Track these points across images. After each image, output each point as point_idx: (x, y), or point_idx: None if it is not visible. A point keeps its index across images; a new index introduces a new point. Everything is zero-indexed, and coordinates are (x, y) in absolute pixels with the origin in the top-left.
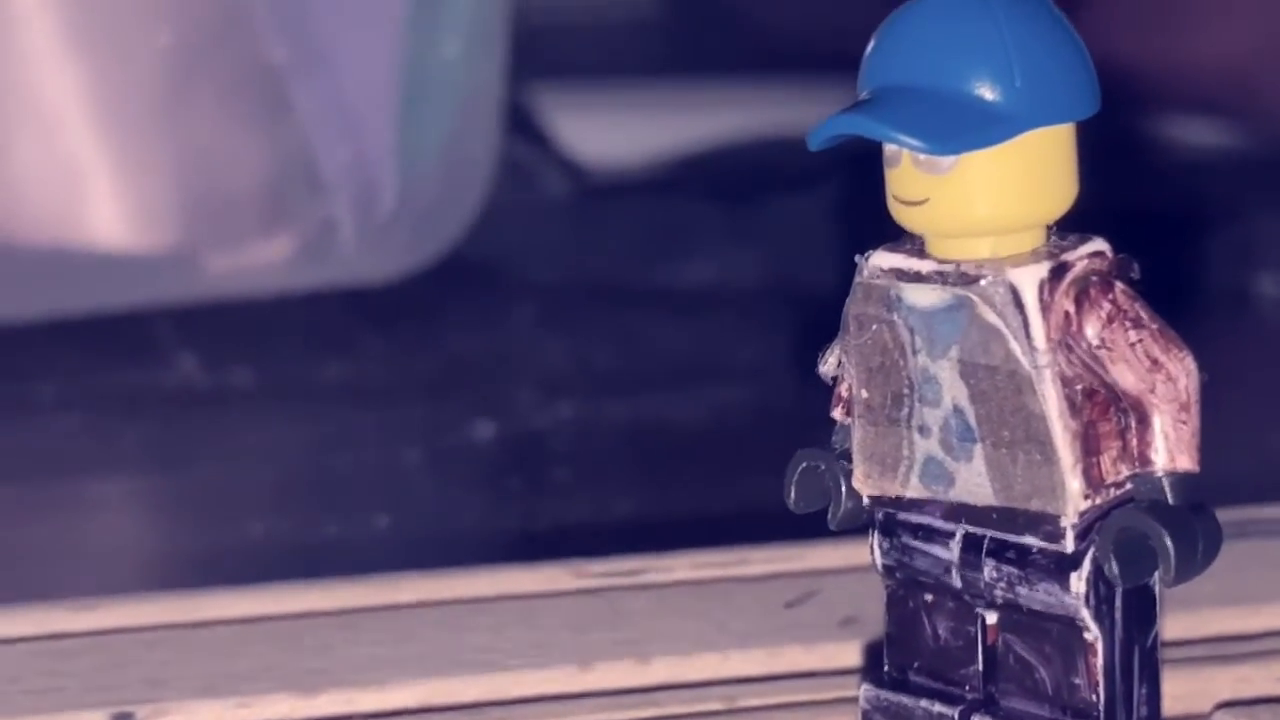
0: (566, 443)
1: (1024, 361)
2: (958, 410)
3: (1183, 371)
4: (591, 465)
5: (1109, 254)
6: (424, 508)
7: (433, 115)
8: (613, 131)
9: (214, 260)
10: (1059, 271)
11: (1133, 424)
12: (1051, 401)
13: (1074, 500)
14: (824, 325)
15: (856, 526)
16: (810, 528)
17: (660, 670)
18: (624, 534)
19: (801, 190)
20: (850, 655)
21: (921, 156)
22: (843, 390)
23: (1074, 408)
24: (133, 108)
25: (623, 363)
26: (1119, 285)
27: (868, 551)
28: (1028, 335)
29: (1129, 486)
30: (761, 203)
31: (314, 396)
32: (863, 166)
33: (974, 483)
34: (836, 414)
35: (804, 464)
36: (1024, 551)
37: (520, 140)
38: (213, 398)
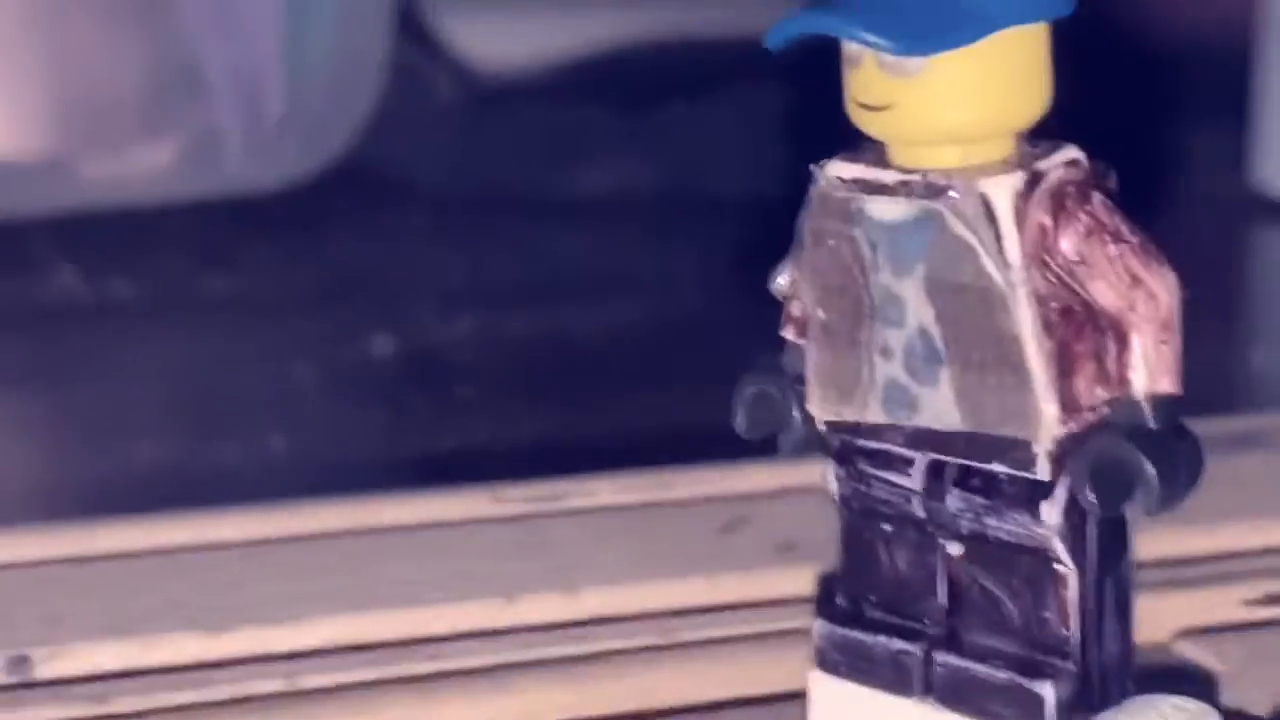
0: (468, 358)
1: (997, 278)
2: (923, 331)
3: (1164, 288)
4: (496, 382)
5: (1084, 162)
6: (323, 428)
7: (321, 16)
8: (503, 33)
9: (92, 167)
10: (1033, 181)
11: (1110, 344)
12: (1025, 321)
13: (1048, 425)
14: (724, 235)
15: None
16: (732, 447)
17: (590, 602)
18: (537, 455)
19: (699, 96)
20: (791, 583)
21: (888, 58)
22: (794, 309)
23: (1048, 327)
24: (4, 7)
25: (521, 275)
26: (1097, 196)
27: (799, 473)
28: (1001, 250)
29: (1105, 410)
30: (658, 108)
31: (200, 310)
32: (766, 73)
33: (940, 407)
34: (787, 334)
35: (753, 387)
36: (992, 479)
37: (407, 42)
38: (93, 311)
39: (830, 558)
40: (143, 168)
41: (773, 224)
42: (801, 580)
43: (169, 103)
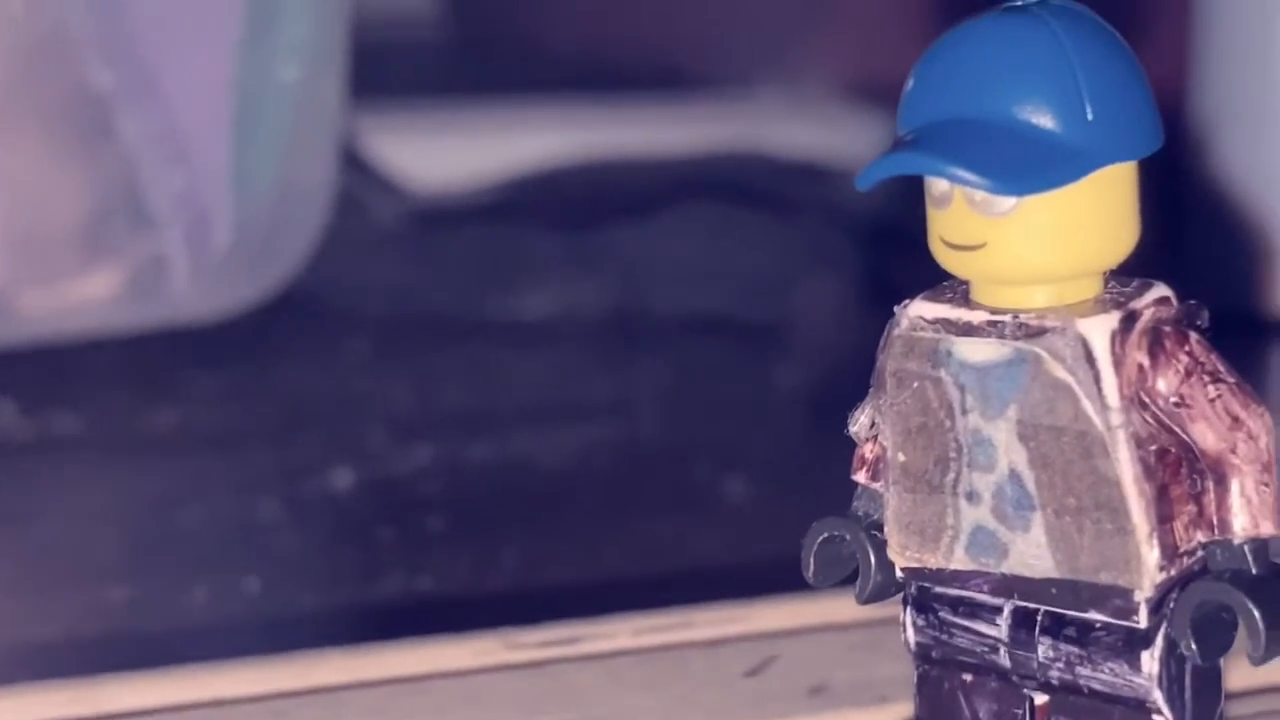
0: (434, 489)
1: (1096, 421)
2: (1014, 475)
3: (1263, 429)
4: (466, 513)
5: (1174, 301)
6: (296, 566)
7: (268, 141)
8: (438, 155)
9: (33, 299)
10: (1128, 321)
11: (1209, 486)
12: (1126, 464)
13: (1150, 572)
14: (675, 355)
15: (880, 599)
16: (734, 584)
17: None
18: (526, 591)
19: (638, 215)
20: None
21: (979, 197)
22: (866, 451)
23: (1148, 470)
24: None
25: (473, 400)
26: (1193, 335)
27: (821, 609)
28: (1100, 392)
29: (1200, 554)
30: (598, 228)
31: (149, 445)
32: (701, 191)
33: (1031, 554)
34: (860, 477)
35: (825, 534)
36: (1086, 628)
37: (344, 167)
38: (35, 448)
39: (864, 699)
40: (85, 299)
41: (720, 342)
42: None
43: (112, 232)
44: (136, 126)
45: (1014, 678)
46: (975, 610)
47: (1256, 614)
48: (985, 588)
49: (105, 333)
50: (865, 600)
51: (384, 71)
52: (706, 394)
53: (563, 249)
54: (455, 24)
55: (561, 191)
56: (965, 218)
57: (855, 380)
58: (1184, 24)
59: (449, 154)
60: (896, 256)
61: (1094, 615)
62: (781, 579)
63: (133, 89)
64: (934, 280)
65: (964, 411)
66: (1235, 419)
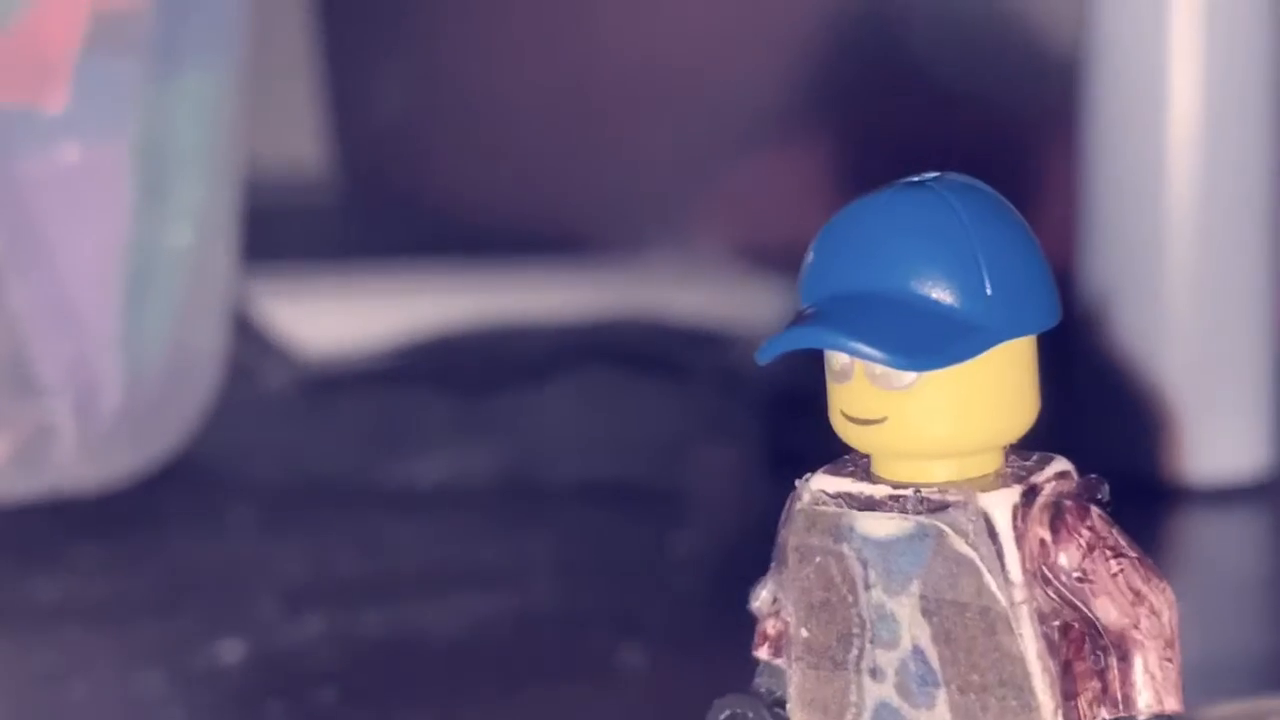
0: (325, 661)
1: (999, 596)
2: (918, 651)
3: (1165, 604)
4: (359, 685)
5: (1074, 474)
6: None
7: (159, 308)
8: (329, 320)
9: None
10: (1030, 495)
11: (1113, 662)
12: (1030, 641)
13: None
14: (568, 523)
15: None
16: None
17: None
18: None
19: (531, 381)
20: None
21: (879, 371)
22: (769, 627)
23: (1051, 646)
24: None
25: (365, 569)
26: (1094, 510)
27: None
28: (1003, 567)
29: None
30: (490, 393)
31: (30, 618)
32: (595, 356)
33: None
34: (761, 654)
35: (727, 711)
36: None
37: (234, 331)
38: None
39: None
40: None
41: (615, 509)
42: None
43: None
44: (24, 295)
45: None
46: None
47: None
48: None
49: None
50: None
51: (275, 236)
52: (602, 562)
53: (455, 414)
54: (347, 188)
55: (453, 356)
56: (866, 392)
57: (752, 549)
58: (1071, 198)
59: (340, 319)
60: (792, 424)
61: None
62: None
63: (21, 256)
64: (831, 448)
65: (867, 587)
66: (1137, 594)
